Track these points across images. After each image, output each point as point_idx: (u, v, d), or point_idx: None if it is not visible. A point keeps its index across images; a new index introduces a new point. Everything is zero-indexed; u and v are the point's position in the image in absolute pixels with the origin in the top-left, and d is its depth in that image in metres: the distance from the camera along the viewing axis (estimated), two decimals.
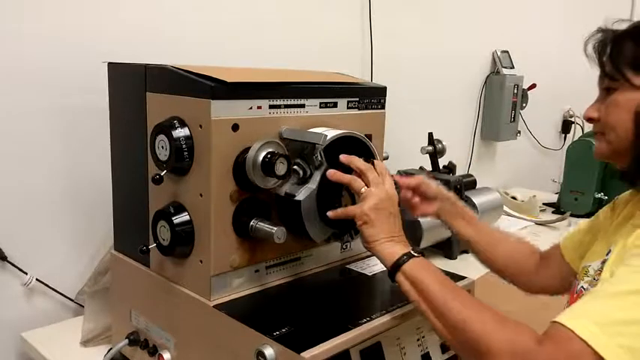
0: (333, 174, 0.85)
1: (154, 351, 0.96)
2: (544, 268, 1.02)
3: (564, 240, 1.02)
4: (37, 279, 1.19)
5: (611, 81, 0.84)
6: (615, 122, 0.82)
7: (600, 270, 0.79)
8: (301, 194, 0.86)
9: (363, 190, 0.83)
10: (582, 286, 0.84)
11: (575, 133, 2.99)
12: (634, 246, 0.71)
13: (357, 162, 0.86)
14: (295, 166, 0.87)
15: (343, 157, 0.87)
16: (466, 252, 1.60)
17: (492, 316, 0.70)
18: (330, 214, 0.85)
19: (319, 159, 0.87)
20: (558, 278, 0.99)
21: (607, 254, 0.80)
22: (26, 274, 1.18)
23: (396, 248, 0.80)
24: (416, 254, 0.80)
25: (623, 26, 0.84)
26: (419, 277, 0.76)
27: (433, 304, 0.74)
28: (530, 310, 0.93)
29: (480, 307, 0.72)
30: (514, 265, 1.03)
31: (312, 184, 0.87)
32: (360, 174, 0.85)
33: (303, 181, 0.88)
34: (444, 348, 0.95)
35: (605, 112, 0.85)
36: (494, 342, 0.66)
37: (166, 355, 0.93)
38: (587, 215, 2.12)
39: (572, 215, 2.06)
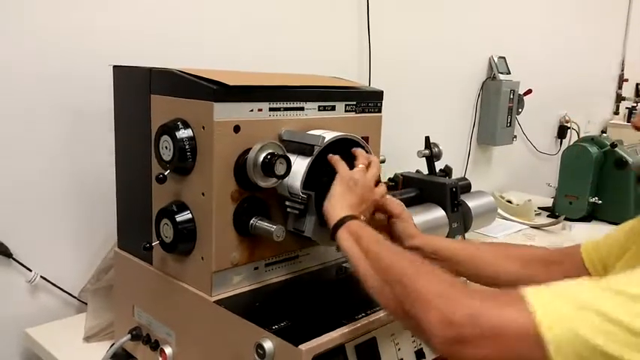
0: (331, 157, 0.91)
1: (155, 346, 0.98)
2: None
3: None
4: (41, 276, 1.22)
5: None
6: None
7: None
8: (308, 229, 0.92)
9: (360, 166, 0.91)
10: None
11: (571, 138, 3.02)
12: None
13: (358, 152, 0.94)
14: (288, 209, 0.92)
15: (354, 150, 0.94)
16: None
17: (437, 276, 0.67)
18: (330, 156, 0.91)
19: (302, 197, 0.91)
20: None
21: None
22: (31, 271, 1.20)
23: (353, 210, 0.84)
24: (362, 218, 0.83)
25: None
26: (365, 234, 0.78)
27: (377, 257, 0.73)
28: None
29: (427, 267, 0.69)
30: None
31: (311, 214, 0.91)
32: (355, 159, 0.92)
33: (301, 212, 0.91)
34: None
35: None
36: (426, 293, 0.63)
37: (168, 350, 0.95)
38: (582, 219, 2.16)
39: (566, 219, 2.09)
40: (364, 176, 0.89)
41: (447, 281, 0.65)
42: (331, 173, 0.89)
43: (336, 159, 0.91)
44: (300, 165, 0.89)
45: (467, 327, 0.58)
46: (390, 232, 0.96)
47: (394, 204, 0.97)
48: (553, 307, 0.55)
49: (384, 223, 0.97)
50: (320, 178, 0.91)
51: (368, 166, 0.92)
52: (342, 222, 0.81)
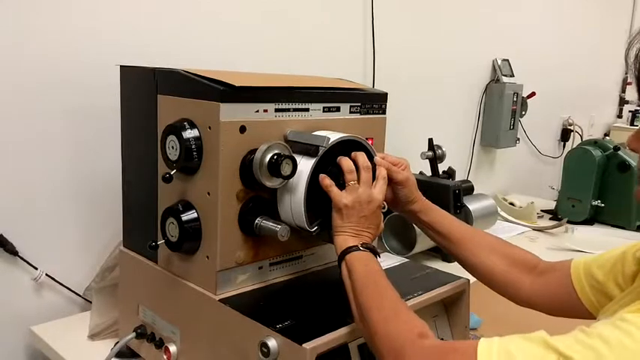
0: (322, 179, 0.89)
1: (160, 344, 0.99)
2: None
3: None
4: (46, 274, 1.23)
5: None
6: None
7: None
8: (314, 228, 0.93)
9: (352, 183, 0.87)
10: None
11: (574, 141, 3.02)
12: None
13: (360, 158, 0.90)
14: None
15: (354, 154, 0.92)
16: None
17: (391, 310, 0.74)
18: (322, 177, 0.89)
19: None
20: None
21: None
22: (36, 269, 1.21)
23: (350, 241, 0.85)
24: (363, 249, 0.84)
25: None
26: (354, 266, 0.81)
27: (354, 292, 0.78)
28: (531, 312, 0.94)
29: (396, 316, 0.73)
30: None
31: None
32: (359, 169, 0.89)
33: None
34: None
35: None
36: (381, 336, 0.70)
37: (172, 348, 0.96)
38: (584, 222, 2.17)
39: (569, 222, 2.10)
40: (356, 193, 0.87)
41: (409, 336, 0.68)
42: (337, 175, 0.90)
43: (325, 184, 0.88)
44: (305, 165, 0.90)
45: None
46: (394, 197, 0.98)
47: (398, 173, 0.97)
48: None
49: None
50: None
51: (363, 171, 0.89)
52: (341, 257, 0.84)
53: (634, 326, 0.58)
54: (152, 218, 0.97)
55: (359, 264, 0.81)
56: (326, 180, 0.89)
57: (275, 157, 0.86)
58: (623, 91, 3.60)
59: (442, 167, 1.86)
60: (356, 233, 0.86)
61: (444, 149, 1.83)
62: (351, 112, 1.03)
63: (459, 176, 2.00)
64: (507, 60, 2.42)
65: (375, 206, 0.88)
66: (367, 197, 0.87)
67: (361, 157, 0.91)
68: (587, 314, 0.86)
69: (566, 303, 0.89)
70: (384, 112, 1.10)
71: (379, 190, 0.89)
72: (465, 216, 1.69)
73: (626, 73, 3.50)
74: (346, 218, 0.86)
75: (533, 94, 2.53)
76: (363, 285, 0.78)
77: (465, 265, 0.99)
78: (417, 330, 0.69)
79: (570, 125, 3.06)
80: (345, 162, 0.89)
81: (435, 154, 1.82)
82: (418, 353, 0.66)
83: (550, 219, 2.24)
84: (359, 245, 0.84)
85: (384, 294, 0.77)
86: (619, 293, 0.81)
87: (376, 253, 0.85)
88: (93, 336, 1.16)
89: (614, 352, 0.56)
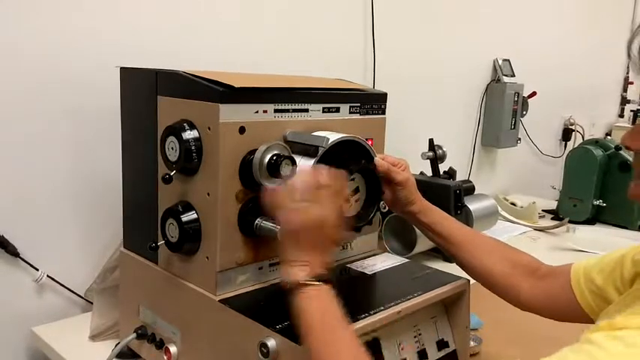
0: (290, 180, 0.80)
1: (160, 344, 0.99)
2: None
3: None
4: (47, 275, 1.23)
5: None
6: None
7: None
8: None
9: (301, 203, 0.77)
10: None
11: (576, 140, 3.02)
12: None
13: (321, 173, 0.79)
14: None
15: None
16: None
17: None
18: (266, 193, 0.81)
19: None
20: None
21: None
22: (37, 270, 1.22)
23: (300, 274, 0.75)
24: (316, 282, 0.75)
25: None
26: (308, 308, 0.73)
27: (307, 335, 0.72)
28: (533, 316, 0.94)
29: (344, 351, 0.70)
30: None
31: None
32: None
33: None
34: (440, 345, 0.98)
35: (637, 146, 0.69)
36: None
37: (173, 349, 0.96)
38: (586, 222, 2.16)
39: (570, 221, 2.09)
40: (305, 215, 0.76)
41: None
42: None
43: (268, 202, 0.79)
44: (304, 166, 0.90)
45: None
46: (393, 198, 0.98)
47: (398, 174, 0.97)
48: None
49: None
50: None
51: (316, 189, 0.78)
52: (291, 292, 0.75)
53: (595, 345, 0.58)
54: (152, 219, 0.97)
55: (312, 306, 0.73)
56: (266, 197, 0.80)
57: (274, 157, 0.86)
58: (625, 90, 3.59)
59: (443, 167, 1.85)
60: (306, 262, 0.76)
61: (444, 149, 1.83)
62: (350, 113, 1.03)
63: (460, 176, 2.00)
64: (508, 60, 2.42)
65: (330, 226, 0.77)
66: (318, 219, 0.76)
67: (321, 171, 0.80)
68: (586, 319, 0.85)
69: (566, 307, 0.88)
70: (383, 113, 1.10)
71: (333, 207, 0.78)
72: (466, 216, 1.69)
73: (627, 73, 3.50)
74: (294, 246, 0.77)
75: (534, 93, 2.53)
76: (317, 332, 0.71)
77: (465, 267, 0.99)
78: None
79: (571, 125, 3.05)
80: (293, 181, 0.79)
81: (435, 155, 1.82)
82: None
83: (552, 219, 2.24)
84: (312, 280, 0.75)
85: (340, 343, 0.71)
86: (617, 297, 0.81)
87: (331, 283, 0.76)
88: (94, 337, 1.16)
89: None
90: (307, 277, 0.75)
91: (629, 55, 0.67)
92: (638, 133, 0.70)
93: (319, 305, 0.74)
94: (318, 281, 0.75)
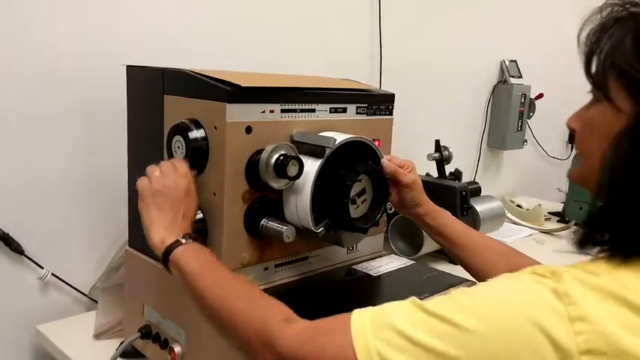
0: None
1: (165, 344, 0.99)
2: None
3: None
4: (52, 273, 1.23)
5: (595, 88, 0.63)
6: (588, 149, 0.64)
7: None
8: (320, 230, 0.92)
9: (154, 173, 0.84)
10: None
11: None
12: None
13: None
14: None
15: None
16: None
17: (244, 298, 0.70)
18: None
19: None
20: None
21: None
22: (42, 268, 1.21)
23: (168, 237, 0.79)
24: (184, 240, 0.78)
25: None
26: (186, 265, 0.75)
27: (196, 292, 0.74)
28: None
29: (243, 290, 0.71)
30: None
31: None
32: None
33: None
34: None
35: (580, 131, 0.67)
36: (243, 328, 0.66)
37: (177, 348, 0.96)
38: None
39: (576, 224, 2.08)
40: (161, 179, 0.82)
41: (274, 324, 0.64)
42: (344, 176, 0.89)
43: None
44: (311, 166, 0.90)
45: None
46: (400, 199, 0.98)
47: (405, 175, 0.97)
48: (365, 338, 0.57)
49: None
50: (331, 180, 0.91)
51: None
52: (165, 258, 0.78)
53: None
54: None
55: (189, 260, 0.75)
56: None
57: (281, 157, 0.85)
58: None
59: (449, 169, 1.85)
60: (168, 225, 0.79)
61: (450, 151, 1.82)
62: (357, 113, 1.03)
63: (466, 178, 1.99)
64: (515, 61, 2.40)
65: (180, 192, 0.82)
66: (173, 181, 0.82)
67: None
68: None
69: None
70: (391, 114, 1.10)
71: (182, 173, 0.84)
72: (473, 218, 1.68)
73: None
74: (153, 210, 0.81)
75: (541, 95, 2.51)
76: (203, 281, 0.73)
77: (470, 270, 0.98)
78: (280, 316, 0.65)
79: None
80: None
81: (441, 156, 1.81)
82: (289, 340, 0.62)
83: (557, 221, 2.22)
84: (179, 238, 0.78)
85: (230, 283, 0.73)
86: None
87: (202, 239, 0.79)
88: (98, 335, 1.16)
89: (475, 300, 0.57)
90: (174, 237, 0.78)
91: (578, 41, 0.67)
92: (577, 114, 0.70)
93: (197, 258, 0.75)
94: (186, 240, 0.77)
